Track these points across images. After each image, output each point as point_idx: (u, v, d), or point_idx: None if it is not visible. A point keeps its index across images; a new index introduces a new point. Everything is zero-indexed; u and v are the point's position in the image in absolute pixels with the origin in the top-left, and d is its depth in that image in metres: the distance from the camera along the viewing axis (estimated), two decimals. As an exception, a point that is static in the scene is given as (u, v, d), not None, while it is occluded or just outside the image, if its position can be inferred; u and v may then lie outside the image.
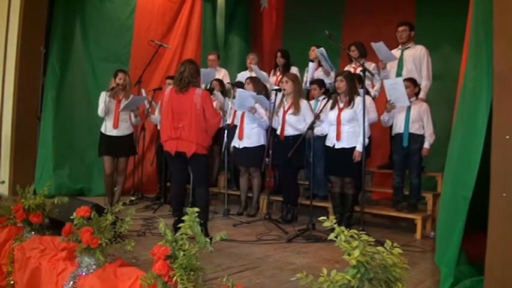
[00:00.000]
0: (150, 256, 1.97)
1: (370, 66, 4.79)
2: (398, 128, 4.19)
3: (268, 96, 4.73)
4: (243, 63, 6.22)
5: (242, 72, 5.84)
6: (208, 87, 5.31)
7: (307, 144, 4.10)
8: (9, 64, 5.26)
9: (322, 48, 4.82)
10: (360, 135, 3.87)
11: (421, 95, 4.31)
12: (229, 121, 5.10)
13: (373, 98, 4.63)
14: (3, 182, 4.69)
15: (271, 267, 2.88)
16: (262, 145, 4.63)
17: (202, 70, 4.09)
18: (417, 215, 4.02)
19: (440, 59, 5.10)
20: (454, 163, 2.44)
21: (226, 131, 4.88)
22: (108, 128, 4.72)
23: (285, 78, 4.48)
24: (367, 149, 3.97)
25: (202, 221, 2.41)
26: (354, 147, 3.92)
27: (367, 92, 4.33)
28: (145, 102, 5.47)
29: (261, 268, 2.86)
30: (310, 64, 5.19)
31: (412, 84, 4.15)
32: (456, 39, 3.63)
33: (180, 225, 1.99)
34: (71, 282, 2.37)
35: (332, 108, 4.11)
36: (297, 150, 4.03)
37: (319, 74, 5.10)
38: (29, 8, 5.11)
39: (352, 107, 3.97)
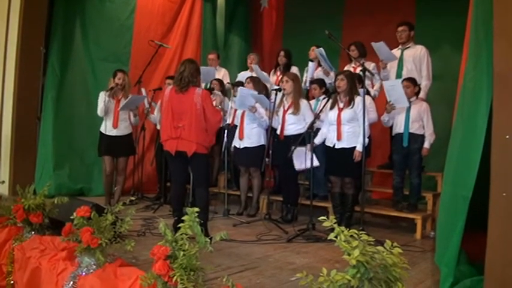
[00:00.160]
0: (150, 256, 1.97)
1: (370, 66, 4.79)
2: (399, 128, 4.19)
3: (268, 96, 4.73)
4: (243, 63, 6.22)
5: (242, 72, 5.83)
6: (208, 86, 5.31)
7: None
8: (9, 64, 5.25)
9: (321, 49, 4.81)
10: (360, 135, 3.87)
11: (421, 94, 4.31)
12: (229, 121, 5.10)
13: (373, 98, 4.63)
14: (3, 182, 4.68)
15: (271, 267, 2.88)
16: (262, 145, 4.63)
17: (202, 68, 4.08)
18: (417, 215, 4.02)
19: (440, 59, 5.10)
20: (454, 163, 2.44)
21: (226, 131, 4.87)
22: (107, 128, 4.73)
23: (285, 78, 4.48)
24: (367, 149, 3.97)
25: (202, 221, 2.41)
26: (354, 147, 3.92)
27: (367, 92, 4.34)
28: (145, 101, 5.48)
29: (261, 268, 2.86)
30: (310, 64, 5.19)
31: (412, 84, 4.15)
32: (456, 39, 3.64)
33: (180, 225, 1.99)
34: (71, 282, 2.37)
35: (332, 108, 4.11)
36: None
37: (319, 73, 5.11)
38: (29, 8, 5.10)
39: (352, 107, 3.97)
